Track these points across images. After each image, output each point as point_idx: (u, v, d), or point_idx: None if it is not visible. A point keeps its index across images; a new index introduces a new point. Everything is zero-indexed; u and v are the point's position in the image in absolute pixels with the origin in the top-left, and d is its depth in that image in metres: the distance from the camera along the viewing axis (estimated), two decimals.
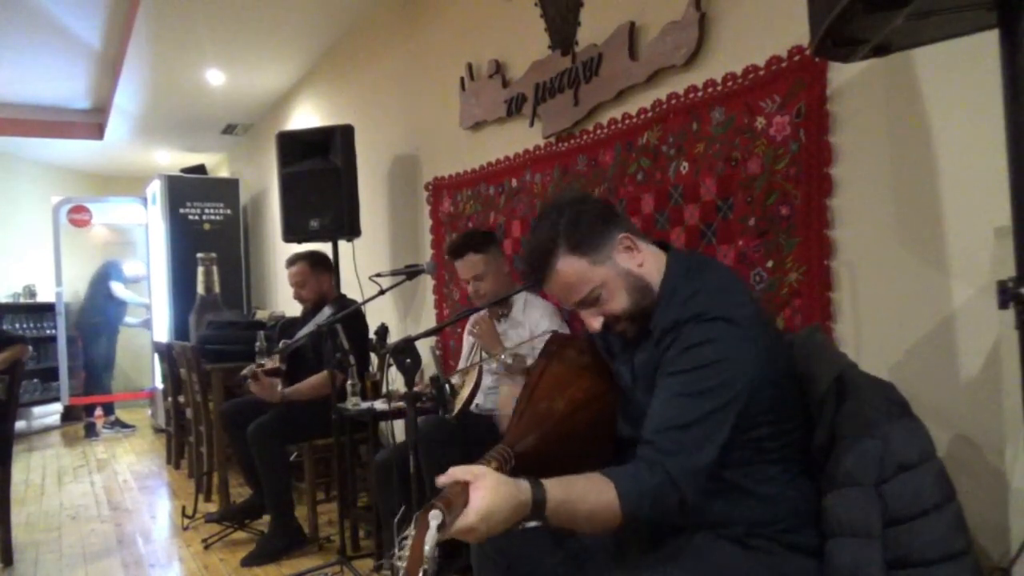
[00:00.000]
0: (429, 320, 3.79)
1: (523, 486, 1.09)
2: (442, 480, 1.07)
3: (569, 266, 1.37)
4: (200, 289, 5.71)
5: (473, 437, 2.46)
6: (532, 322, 2.61)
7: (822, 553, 1.29)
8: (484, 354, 2.65)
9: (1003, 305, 1.02)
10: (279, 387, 3.30)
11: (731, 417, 1.22)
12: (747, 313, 1.28)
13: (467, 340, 2.90)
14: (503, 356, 2.53)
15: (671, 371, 1.27)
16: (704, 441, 1.21)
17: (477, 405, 2.70)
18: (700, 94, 2.15)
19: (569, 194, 1.44)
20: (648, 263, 1.39)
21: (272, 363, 3.31)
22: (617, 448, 1.46)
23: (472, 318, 2.73)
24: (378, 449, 3.24)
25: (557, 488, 1.11)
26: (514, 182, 3.04)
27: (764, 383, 1.26)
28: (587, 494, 1.14)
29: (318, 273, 3.60)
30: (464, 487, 1.04)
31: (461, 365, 2.96)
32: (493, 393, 2.69)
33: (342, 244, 4.00)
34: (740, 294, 1.34)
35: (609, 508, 1.14)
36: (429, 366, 3.27)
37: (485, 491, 1.04)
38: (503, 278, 2.69)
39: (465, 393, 2.40)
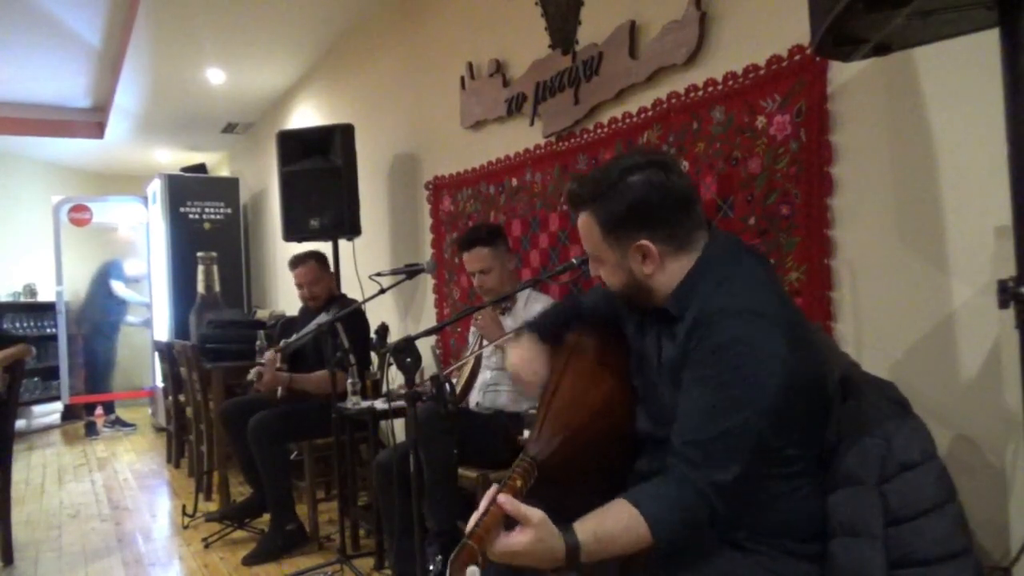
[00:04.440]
0: (429, 319, 3.79)
1: (560, 544, 1.10)
2: (502, 501, 1.07)
3: (586, 226, 1.38)
4: (200, 288, 5.71)
5: (471, 431, 2.46)
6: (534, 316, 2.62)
7: (823, 558, 1.29)
8: (484, 342, 2.64)
9: (1003, 305, 1.02)
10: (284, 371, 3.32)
11: (762, 425, 1.18)
12: (778, 310, 1.23)
13: (471, 335, 2.91)
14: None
15: (698, 374, 1.23)
16: (734, 452, 1.18)
17: (478, 404, 2.70)
18: (700, 93, 2.15)
19: (652, 167, 1.32)
20: (662, 274, 1.34)
21: (273, 358, 3.31)
22: (637, 444, 1.44)
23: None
24: (378, 449, 3.24)
25: (590, 537, 1.12)
26: (514, 181, 3.04)
27: (796, 389, 1.21)
28: (619, 535, 1.14)
29: (326, 270, 3.62)
30: (501, 519, 1.07)
31: (466, 354, 2.97)
32: (492, 391, 2.68)
33: (342, 243, 4.00)
34: (773, 291, 1.29)
35: (641, 541, 1.15)
36: (429, 365, 3.27)
37: (525, 540, 1.06)
38: (508, 274, 2.71)
39: (462, 381, 2.41)
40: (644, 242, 1.32)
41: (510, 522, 1.08)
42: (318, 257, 3.58)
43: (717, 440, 1.18)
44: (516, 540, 1.06)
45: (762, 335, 1.19)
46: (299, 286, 3.55)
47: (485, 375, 2.71)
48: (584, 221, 1.38)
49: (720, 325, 1.21)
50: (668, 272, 1.34)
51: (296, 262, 3.54)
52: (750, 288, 1.27)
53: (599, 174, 1.37)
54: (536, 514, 1.08)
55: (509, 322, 2.68)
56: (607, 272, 1.40)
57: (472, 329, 2.90)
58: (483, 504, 1.10)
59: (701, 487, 1.17)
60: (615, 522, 1.15)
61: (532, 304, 2.66)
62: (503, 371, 2.65)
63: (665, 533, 1.15)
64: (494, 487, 1.13)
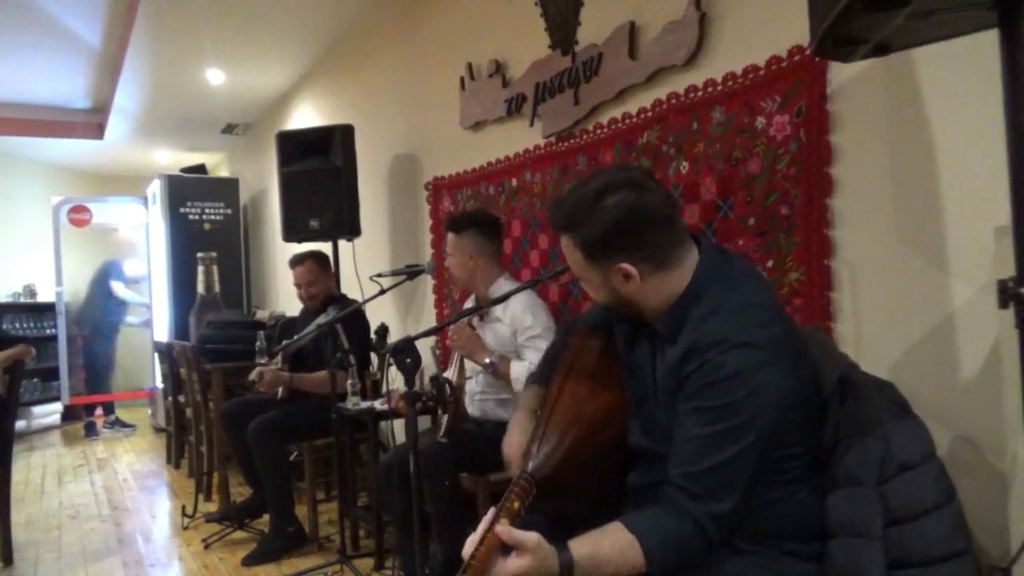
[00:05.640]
0: (429, 320, 3.79)
1: (555, 563, 1.12)
2: (499, 531, 1.10)
3: (568, 247, 1.39)
4: (200, 289, 5.71)
5: (468, 452, 2.42)
6: (512, 317, 2.56)
7: (823, 558, 1.29)
8: (469, 365, 2.60)
9: (1003, 305, 1.02)
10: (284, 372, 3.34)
11: (758, 453, 1.20)
12: (772, 333, 1.23)
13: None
14: (487, 361, 2.49)
15: (695, 406, 1.23)
16: (732, 483, 1.20)
17: (468, 414, 2.69)
18: (700, 94, 2.15)
19: (625, 187, 1.31)
20: (646, 292, 1.34)
21: (273, 365, 3.33)
22: (631, 457, 1.44)
23: (451, 328, 2.62)
24: (378, 449, 3.25)
25: (585, 557, 1.14)
26: (514, 182, 3.04)
27: (791, 406, 1.23)
28: (613, 558, 1.16)
29: (325, 271, 3.62)
30: (498, 546, 1.10)
31: (448, 372, 2.93)
32: (480, 400, 2.65)
33: (342, 244, 4.00)
34: (766, 310, 1.29)
35: (635, 568, 1.16)
36: (429, 366, 3.27)
37: (523, 563, 1.09)
38: (479, 266, 2.66)
39: (449, 412, 2.37)
40: (623, 265, 1.32)
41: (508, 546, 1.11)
42: (317, 257, 3.58)
43: (714, 472, 1.19)
44: (513, 564, 1.09)
45: (758, 368, 1.20)
46: (296, 286, 3.56)
47: (472, 385, 2.68)
48: (565, 243, 1.40)
49: (717, 360, 1.21)
50: (652, 289, 1.34)
51: (295, 262, 3.54)
52: (745, 315, 1.26)
53: (573, 199, 1.36)
54: (531, 539, 1.10)
55: (482, 326, 2.63)
56: (592, 290, 1.42)
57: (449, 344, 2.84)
58: (481, 527, 1.13)
59: (699, 519, 1.19)
60: (611, 546, 1.17)
61: (510, 304, 2.56)
62: (489, 377, 2.61)
63: (659, 562, 1.17)
64: (492, 511, 1.15)
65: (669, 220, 1.33)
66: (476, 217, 2.76)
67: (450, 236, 2.68)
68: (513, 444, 1.54)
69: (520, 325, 2.53)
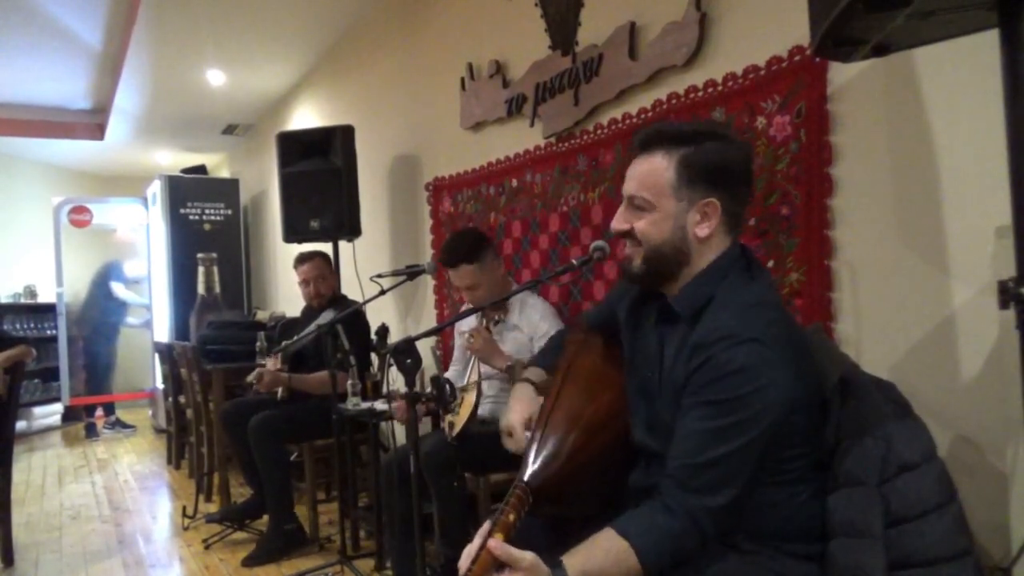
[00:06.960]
0: (429, 320, 3.79)
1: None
2: (493, 547, 1.09)
3: (657, 166, 1.31)
4: (200, 289, 5.72)
5: (475, 453, 2.40)
6: (530, 324, 2.59)
7: (824, 558, 1.29)
8: (482, 368, 2.60)
9: (1003, 305, 1.02)
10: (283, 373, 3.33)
11: (758, 451, 1.19)
12: (781, 332, 1.23)
13: (458, 340, 2.88)
14: (505, 366, 2.49)
15: (700, 400, 1.22)
16: (729, 479, 1.18)
17: (479, 416, 2.68)
18: (700, 94, 2.15)
19: (736, 139, 1.37)
20: (706, 245, 1.32)
21: (274, 363, 3.32)
22: (632, 455, 1.42)
23: (466, 327, 2.64)
24: (379, 450, 3.25)
25: (579, 573, 1.13)
26: (514, 182, 3.04)
27: (795, 408, 1.22)
28: (608, 567, 1.15)
29: (331, 270, 3.63)
30: (492, 562, 1.09)
31: (454, 365, 2.93)
32: (490, 402, 2.66)
33: (342, 244, 4.00)
34: (775, 309, 1.29)
35: (631, 572, 1.16)
36: (430, 366, 3.27)
37: None
38: (497, 285, 2.66)
39: (464, 415, 2.37)
40: (714, 200, 1.30)
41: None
42: (324, 256, 3.61)
43: (714, 465, 1.18)
44: None
45: (766, 365, 1.19)
46: (305, 283, 3.54)
47: (484, 388, 2.67)
48: (655, 161, 1.31)
49: (724, 355, 1.20)
50: (711, 246, 1.32)
51: (303, 259, 3.54)
52: (755, 312, 1.25)
53: (694, 123, 1.37)
54: (526, 557, 1.09)
55: (501, 330, 2.64)
56: (650, 222, 1.32)
57: (457, 336, 2.84)
58: (477, 541, 1.12)
59: (693, 512, 1.18)
60: (604, 555, 1.15)
61: (527, 311, 2.62)
62: (502, 379, 2.62)
63: (654, 563, 1.16)
64: (487, 524, 1.14)
65: (751, 193, 1.34)
66: (480, 237, 2.73)
67: (466, 268, 2.59)
68: (515, 416, 1.52)
69: (537, 332, 2.56)
